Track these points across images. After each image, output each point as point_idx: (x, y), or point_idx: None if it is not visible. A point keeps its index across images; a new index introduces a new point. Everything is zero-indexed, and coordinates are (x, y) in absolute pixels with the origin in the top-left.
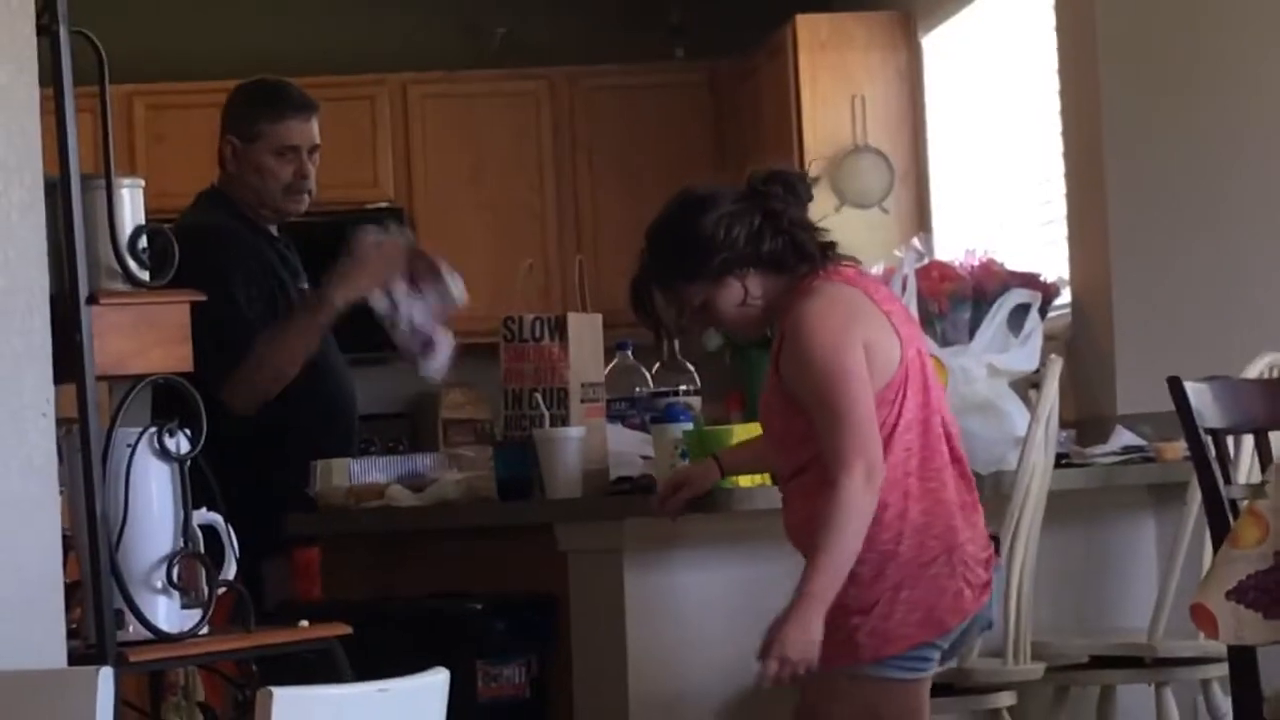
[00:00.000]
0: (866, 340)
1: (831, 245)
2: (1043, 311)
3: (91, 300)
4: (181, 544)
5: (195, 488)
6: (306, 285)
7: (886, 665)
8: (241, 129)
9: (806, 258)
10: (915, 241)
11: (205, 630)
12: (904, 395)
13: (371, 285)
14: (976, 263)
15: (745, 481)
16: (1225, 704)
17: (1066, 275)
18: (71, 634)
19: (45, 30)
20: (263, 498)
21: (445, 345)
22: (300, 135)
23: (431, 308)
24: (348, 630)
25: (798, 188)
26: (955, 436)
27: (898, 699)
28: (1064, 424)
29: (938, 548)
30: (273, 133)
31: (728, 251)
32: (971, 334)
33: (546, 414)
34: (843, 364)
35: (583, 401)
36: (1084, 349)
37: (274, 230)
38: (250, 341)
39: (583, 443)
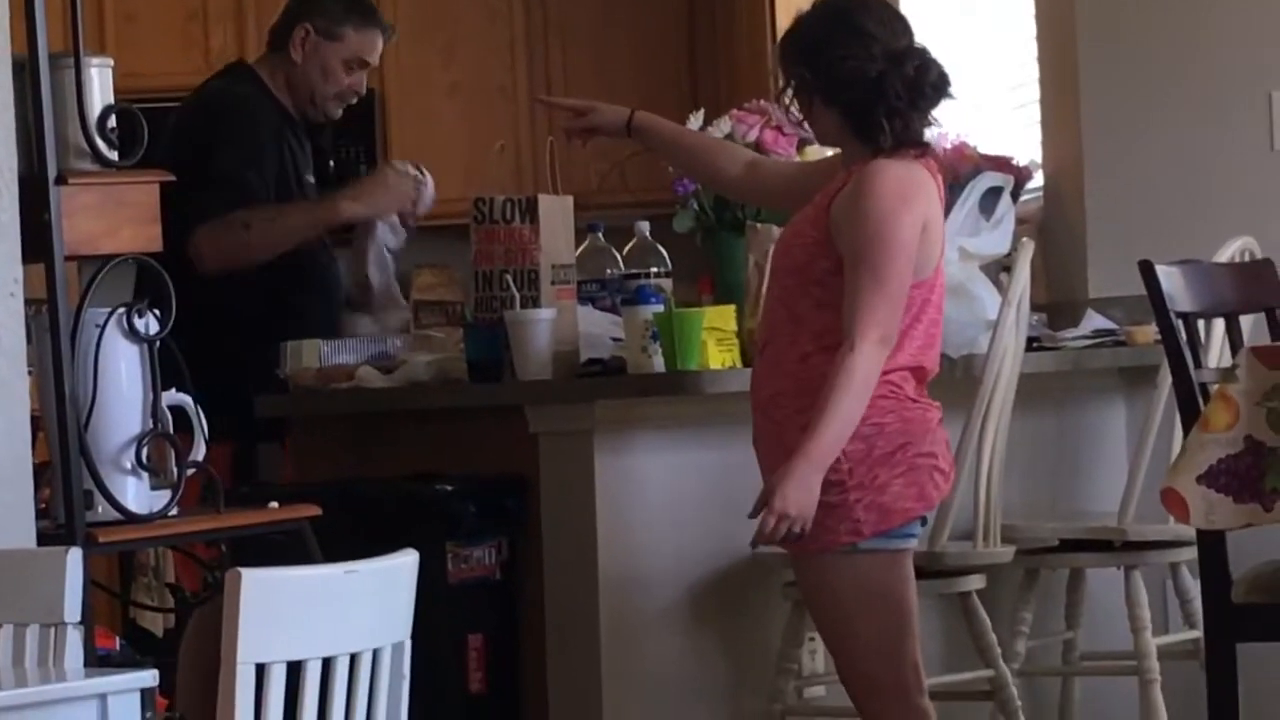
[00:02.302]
0: (926, 220)
1: (926, 144)
2: (1015, 195)
3: (60, 180)
4: (151, 425)
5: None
6: (313, 179)
7: (882, 538)
8: (323, 24)
9: (896, 135)
10: None
11: (174, 512)
12: (935, 290)
13: (381, 213)
14: (948, 146)
15: (714, 363)
16: (1194, 587)
17: (1039, 159)
18: (40, 514)
19: None
20: (265, 381)
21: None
22: (375, 53)
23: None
24: (317, 512)
25: (933, 79)
26: None
27: (895, 569)
28: (1035, 307)
29: (922, 421)
30: (355, 41)
31: (824, 74)
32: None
33: (517, 295)
34: (898, 232)
35: (553, 283)
36: (1056, 233)
37: (294, 115)
38: (243, 204)
39: (553, 324)
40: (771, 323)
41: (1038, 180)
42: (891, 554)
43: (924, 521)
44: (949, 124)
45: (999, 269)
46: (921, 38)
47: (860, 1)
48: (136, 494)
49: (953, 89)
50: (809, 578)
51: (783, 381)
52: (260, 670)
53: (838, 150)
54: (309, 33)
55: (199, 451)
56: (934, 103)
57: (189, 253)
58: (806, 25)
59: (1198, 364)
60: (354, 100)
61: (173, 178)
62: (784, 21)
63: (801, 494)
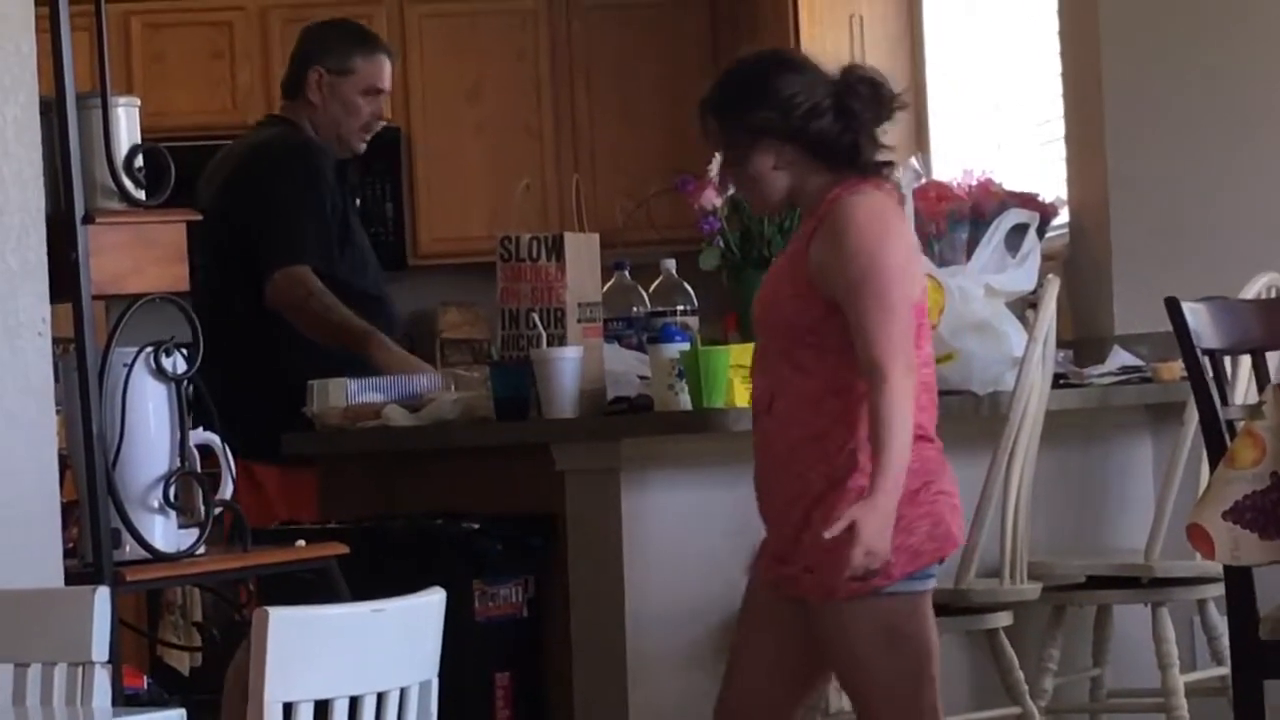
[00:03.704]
0: (908, 247)
1: (889, 165)
2: (1040, 231)
3: (87, 219)
4: (178, 463)
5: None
6: (357, 221)
7: (905, 580)
8: (333, 62)
9: (859, 163)
10: (913, 161)
11: (202, 550)
12: (924, 327)
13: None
14: (974, 183)
15: (740, 401)
16: (1221, 624)
17: (1064, 195)
18: (68, 553)
19: None
20: None
21: None
22: (388, 79)
23: None
24: (344, 550)
25: (883, 99)
26: None
27: (917, 610)
28: (1061, 344)
29: (939, 462)
30: (365, 71)
31: (779, 113)
32: (969, 254)
33: (544, 334)
34: (891, 257)
35: (580, 321)
36: (1082, 269)
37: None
38: (318, 250)
39: (580, 363)
40: (775, 380)
41: (1063, 216)
42: (914, 596)
43: (940, 559)
44: (974, 161)
45: (1025, 305)
46: (948, 75)
47: (779, 52)
48: (164, 533)
49: (900, 102)
50: (827, 621)
51: (801, 431)
52: (288, 709)
53: None
54: (322, 75)
55: (226, 490)
56: (892, 115)
57: (266, 291)
58: (745, 76)
59: (1224, 400)
60: (379, 128)
61: (198, 216)
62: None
63: (885, 528)
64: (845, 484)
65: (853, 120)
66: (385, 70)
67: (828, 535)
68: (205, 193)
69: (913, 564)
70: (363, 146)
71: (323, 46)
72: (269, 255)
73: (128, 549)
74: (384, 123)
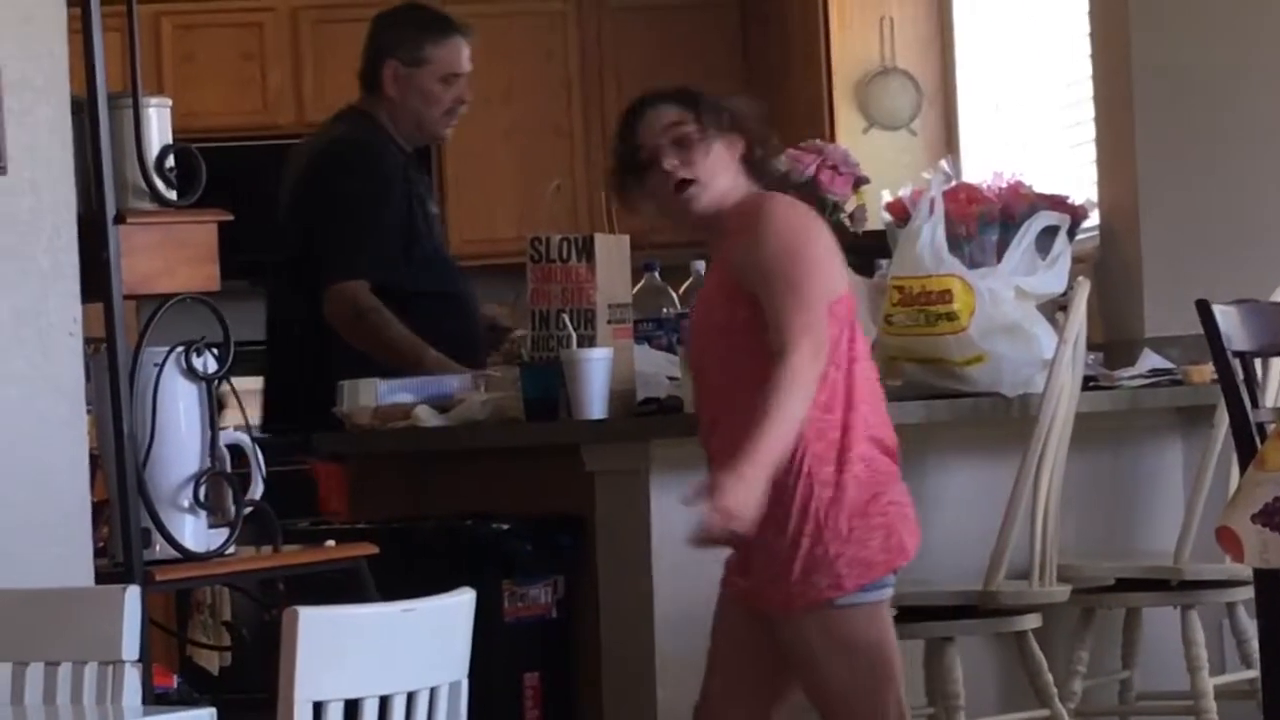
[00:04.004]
0: (827, 245)
1: (806, 185)
2: (1071, 234)
3: (119, 219)
4: (208, 463)
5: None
6: (436, 209)
7: (862, 591)
8: (405, 53)
9: (774, 177)
10: (943, 163)
11: (232, 550)
12: (855, 326)
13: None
14: (1004, 185)
15: None
16: (1251, 627)
17: (1095, 198)
18: (99, 553)
19: None
20: None
21: None
22: (465, 61)
23: None
24: (374, 550)
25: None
26: None
27: (873, 620)
28: (1091, 346)
29: (890, 473)
30: (440, 59)
31: (749, 116)
32: (999, 256)
33: (574, 335)
34: (805, 246)
35: (610, 322)
36: (1112, 271)
37: (409, 150)
38: (375, 263)
39: (609, 364)
40: (716, 406)
41: (1094, 219)
42: (869, 606)
43: (894, 570)
44: (1004, 163)
45: (1055, 308)
46: (976, 79)
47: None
48: (194, 532)
49: None
50: (786, 633)
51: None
52: (318, 709)
53: None
54: (397, 67)
55: (256, 490)
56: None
57: (323, 305)
58: (687, 88)
59: (1254, 403)
60: (463, 111)
61: (229, 217)
62: (840, 64)
63: (745, 494)
64: (795, 493)
65: (766, 142)
66: (462, 52)
67: (683, 500)
68: (283, 187)
69: (866, 576)
70: (448, 133)
71: (394, 37)
72: (325, 268)
73: (158, 548)
74: (466, 105)
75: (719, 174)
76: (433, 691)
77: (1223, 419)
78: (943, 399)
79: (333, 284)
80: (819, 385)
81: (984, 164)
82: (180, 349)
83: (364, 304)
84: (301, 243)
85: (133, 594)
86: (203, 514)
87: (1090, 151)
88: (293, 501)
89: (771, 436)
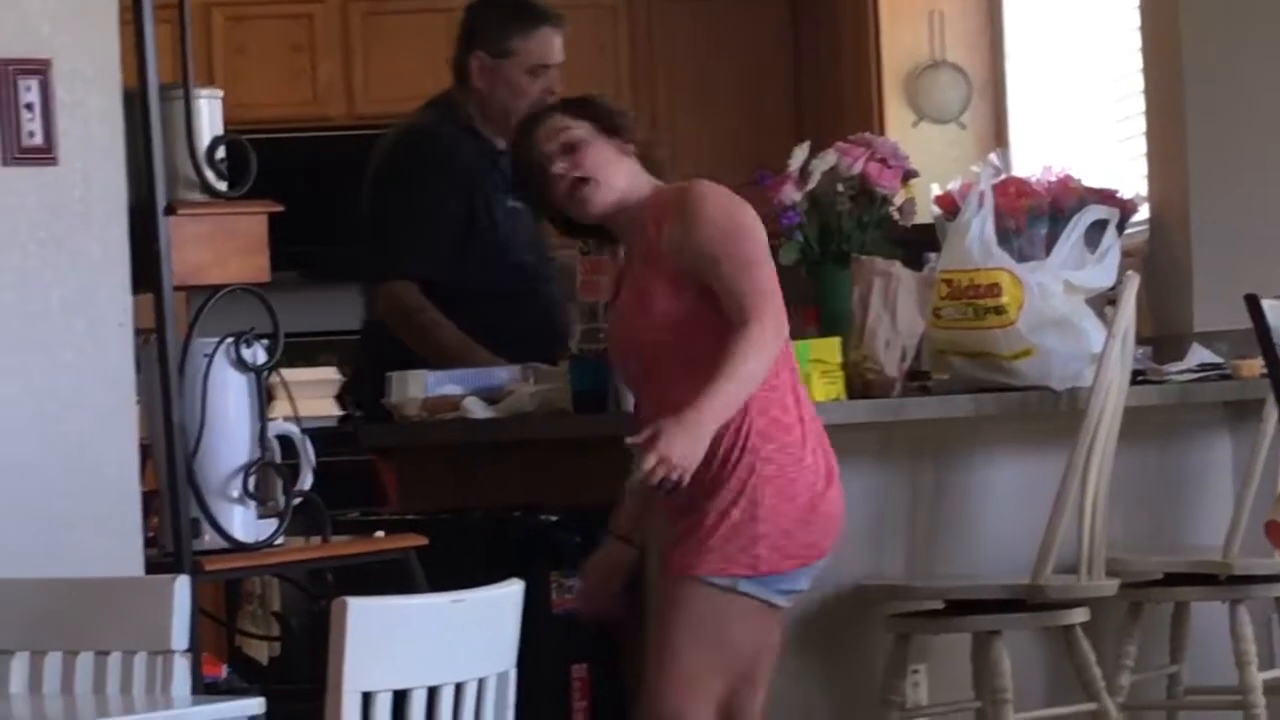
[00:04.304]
0: (760, 222)
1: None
2: (1120, 228)
3: (169, 210)
4: (258, 454)
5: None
6: (517, 203)
7: (770, 583)
8: (492, 45)
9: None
10: (992, 157)
11: (281, 540)
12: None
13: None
14: (1054, 178)
15: (819, 395)
16: None
17: (1144, 191)
18: (149, 543)
19: None
20: None
21: None
22: (552, 52)
23: None
24: (423, 541)
25: None
26: None
27: (730, 611)
28: (1140, 341)
29: (825, 474)
30: (526, 50)
31: (623, 114)
32: (1048, 250)
33: None
34: (745, 222)
35: None
36: (1161, 265)
37: (500, 144)
38: (425, 262)
39: None
40: (657, 404)
41: (1143, 213)
42: (764, 606)
43: (813, 571)
44: (1054, 157)
45: (1104, 302)
46: (1026, 72)
47: None
48: (243, 522)
49: None
50: (673, 592)
51: (754, 421)
52: (366, 699)
53: None
54: (483, 58)
55: (306, 481)
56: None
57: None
58: (573, 96)
59: None
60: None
61: (280, 208)
62: (890, 57)
63: (689, 444)
64: (737, 464)
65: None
66: (549, 44)
67: (628, 440)
68: (367, 173)
69: (781, 565)
70: None
71: (481, 29)
72: (381, 264)
73: (207, 539)
74: (556, 97)
75: (613, 172)
76: (481, 682)
77: (1271, 413)
78: (991, 393)
79: (382, 283)
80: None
81: (1034, 157)
82: (230, 340)
83: (411, 304)
84: (372, 233)
85: (182, 584)
86: (252, 504)
87: (1140, 145)
88: (357, 492)
89: (723, 393)
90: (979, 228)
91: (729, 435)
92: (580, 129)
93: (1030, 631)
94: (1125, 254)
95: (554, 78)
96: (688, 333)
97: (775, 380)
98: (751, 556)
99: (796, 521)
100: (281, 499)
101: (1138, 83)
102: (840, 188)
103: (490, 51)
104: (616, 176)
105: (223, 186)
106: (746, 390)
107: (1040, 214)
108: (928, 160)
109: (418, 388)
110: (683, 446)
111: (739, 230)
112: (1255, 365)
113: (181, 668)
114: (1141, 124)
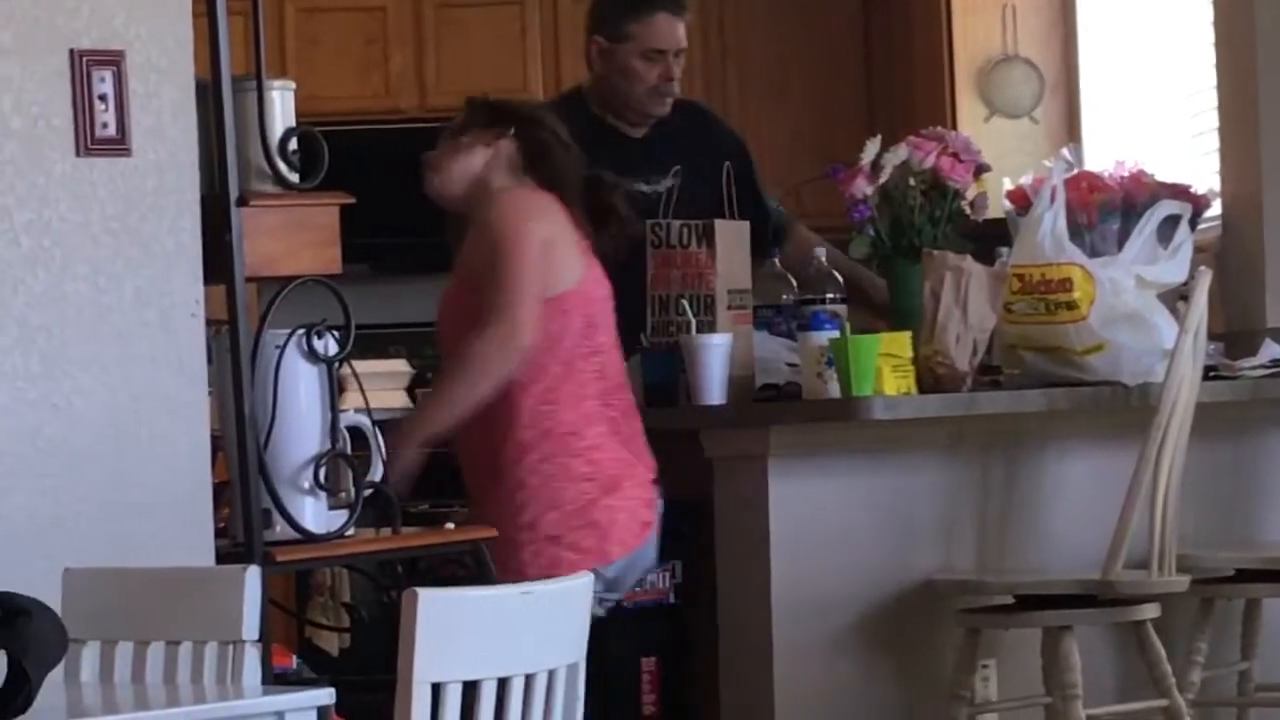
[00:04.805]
0: (549, 237)
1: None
2: (1193, 223)
3: (241, 202)
4: (329, 445)
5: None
6: (652, 186)
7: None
8: (609, 29)
9: (564, 177)
10: (1065, 152)
11: (351, 531)
12: (593, 322)
13: None
14: (1126, 174)
15: (890, 389)
16: None
17: (1217, 187)
18: (220, 533)
19: None
20: None
21: None
22: (668, 38)
23: None
24: (493, 533)
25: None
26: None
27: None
28: (1212, 336)
29: (611, 477)
30: (641, 34)
31: (514, 117)
32: (1120, 245)
33: (693, 320)
34: (517, 239)
35: (730, 308)
36: (1234, 261)
37: (634, 132)
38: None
39: (729, 349)
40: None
41: (1216, 208)
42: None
43: (602, 576)
44: (1126, 152)
45: (1176, 297)
46: (1098, 67)
47: None
48: (314, 513)
49: None
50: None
51: (479, 431)
52: (436, 690)
53: None
54: (601, 43)
55: (376, 472)
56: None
57: None
58: (476, 95)
59: None
60: (673, 92)
61: (351, 200)
62: (962, 51)
63: (399, 466)
64: (507, 475)
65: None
66: (665, 29)
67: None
68: None
69: (553, 571)
70: (661, 110)
71: (600, 14)
72: None
73: (278, 529)
74: (674, 83)
75: (462, 171)
76: (550, 674)
77: None
78: (1062, 388)
79: None
80: (536, 375)
81: (1106, 152)
82: (301, 331)
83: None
84: None
85: (253, 574)
86: (323, 495)
87: (1213, 140)
88: (427, 483)
89: (426, 414)
90: (1051, 222)
91: (489, 449)
92: (457, 125)
93: (1101, 627)
94: (1198, 249)
95: (672, 64)
96: (465, 331)
97: (551, 395)
98: (519, 562)
99: (564, 528)
100: (352, 490)
101: (1211, 78)
102: (912, 182)
103: (607, 36)
104: (457, 168)
105: (295, 178)
106: (454, 410)
107: (1112, 209)
108: (1000, 155)
109: None
110: (393, 467)
111: (506, 248)
112: None
113: (252, 658)
114: (1214, 119)
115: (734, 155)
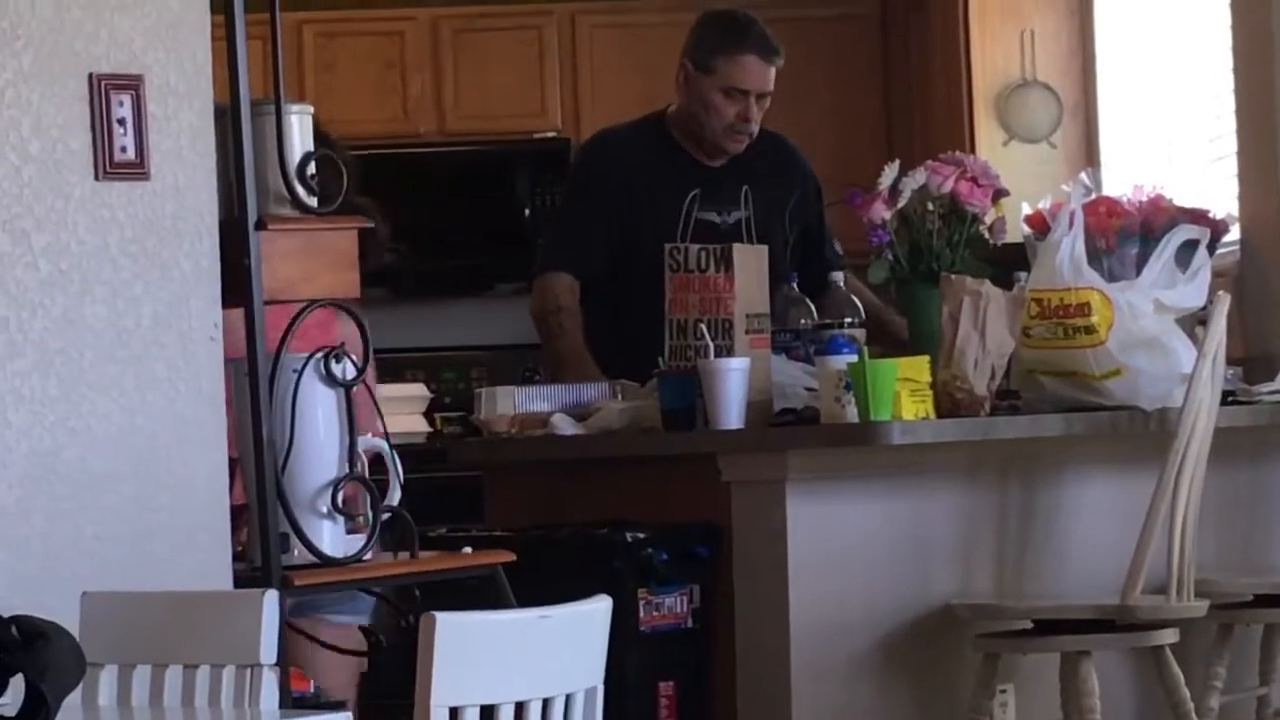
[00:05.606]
0: None
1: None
2: (1211, 248)
3: (260, 225)
4: (346, 469)
5: None
6: (737, 215)
7: None
8: (697, 56)
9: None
10: (1083, 176)
11: (369, 555)
12: None
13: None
14: (1145, 198)
15: (908, 414)
16: None
17: (1236, 212)
18: (237, 557)
19: None
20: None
21: None
22: (753, 80)
23: None
24: (511, 557)
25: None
26: None
27: None
28: (1231, 361)
29: None
30: (727, 71)
31: None
32: (1139, 270)
33: (711, 344)
34: None
35: (747, 332)
36: (1252, 286)
37: (711, 162)
38: (571, 259)
39: (747, 374)
40: None
41: (1234, 233)
42: None
43: None
44: (1145, 177)
45: (1194, 322)
46: (1117, 92)
47: None
48: (332, 537)
49: None
50: None
51: None
52: (454, 714)
53: None
54: (688, 69)
55: (394, 496)
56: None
57: None
58: None
59: None
60: (750, 132)
61: (370, 224)
62: (980, 76)
63: None
64: None
65: None
66: (752, 70)
67: None
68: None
69: None
70: (735, 148)
71: (695, 39)
72: (539, 258)
73: (296, 553)
74: (754, 126)
75: None
76: (568, 698)
77: None
78: (1080, 412)
79: (537, 275)
80: None
81: (1124, 177)
82: (319, 355)
83: (549, 304)
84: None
85: (271, 598)
86: (341, 519)
87: (1231, 166)
88: (445, 508)
89: None
90: (1069, 247)
91: None
92: None
93: (1119, 652)
94: (1216, 274)
95: (752, 105)
96: None
97: None
98: None
99: None
100: (370, 514)
101: (1229, 103)
102: (930, 206)
103: (694, 63)
104: None
105: (313, 202)
106: None
107: (1131, 234)
108: (1018, 179)
109: (506, 404)
110: None
111: None
112: None
113: (270, 681)
114: (1233, 144)
115: (811, 194)
